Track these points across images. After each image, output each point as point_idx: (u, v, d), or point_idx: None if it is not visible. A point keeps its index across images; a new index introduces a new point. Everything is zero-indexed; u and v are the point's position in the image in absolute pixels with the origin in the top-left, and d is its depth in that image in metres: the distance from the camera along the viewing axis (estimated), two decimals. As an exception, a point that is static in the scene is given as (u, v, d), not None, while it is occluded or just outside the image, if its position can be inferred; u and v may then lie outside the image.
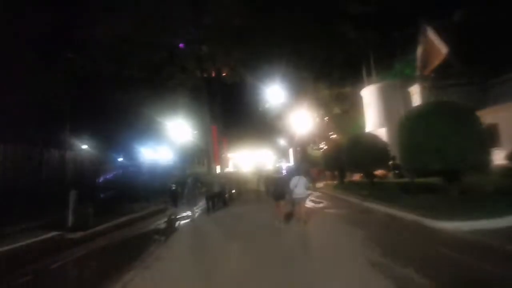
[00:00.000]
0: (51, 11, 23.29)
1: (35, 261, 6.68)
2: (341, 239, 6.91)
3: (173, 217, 11.50)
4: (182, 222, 10.62)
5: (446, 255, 5.34)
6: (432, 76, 19.04)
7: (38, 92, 19.30)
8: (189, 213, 11.96)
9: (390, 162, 15.41)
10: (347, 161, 15.56)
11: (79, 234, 8.75)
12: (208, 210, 12.48)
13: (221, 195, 13.59)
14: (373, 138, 15.23)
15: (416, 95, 19.98)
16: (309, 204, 13.86)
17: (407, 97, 20.59)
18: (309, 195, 10.23)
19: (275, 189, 9.73)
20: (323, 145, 29.69)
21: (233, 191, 16.76)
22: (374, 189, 14.04)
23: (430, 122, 9.25)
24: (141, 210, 13.05)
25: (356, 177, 21.14)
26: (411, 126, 9.66)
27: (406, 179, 17.83)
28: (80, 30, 26.22)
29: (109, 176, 17.10)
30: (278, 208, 9.64)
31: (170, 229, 9.34)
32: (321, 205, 13.06)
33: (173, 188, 12.64)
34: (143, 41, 28.34)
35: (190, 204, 10.98)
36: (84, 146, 32.85)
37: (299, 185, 8.96)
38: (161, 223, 10.81)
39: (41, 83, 20.37)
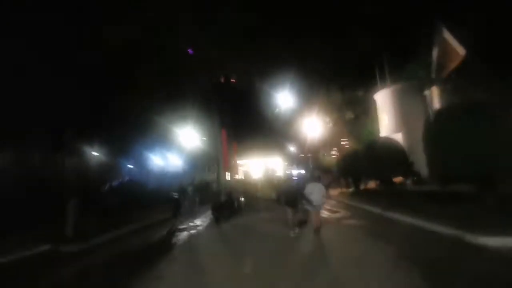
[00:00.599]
0: (61, 13, 23.10)
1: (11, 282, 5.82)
2: (370, 259, 5.88)
3: (176, 229, 10.67)
4: (186, 234, 9.60)
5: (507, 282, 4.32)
6: (452, 78, 17.87)
7: (47, 95, 18.92)
8: (193, 224, 11.13)
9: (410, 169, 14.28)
10: (363, 167, 14.50)
11: (76, 247, 7.94)
12: (215, 221, 11.35)
13: (229, 205, 12.56)
14: (391, 143, 14.19)
15: (434, 98, 18.81)
16: (324, 213, 12.85)
17: (424, 100, 19.43)
18: (324, 203, 9.37)
19: (287, 196, 9.08)
20: (335, 151, 28.57)
21: (242, 199, 15.71)
22: (394, 197, 12.91)
23: (462, 123, 8.23)
24: (146, 219, 12.17)
25: (372, 184, 19.96)
26: (441, 128, 8.63)
27: (426, 187, 16.66)
28: (91, 33, 26.09)
29: (116, 183, 16.41)
30: (291, 216, 8.92)
31: (173, 243, 8.45)
32: (338, 214, 12.00)
33: (175, 197, 11.49)
34: (152, 46, 28.03)
35: (190, 215, 9.94)
36: (94, 153, 32.58)
37: (315, 192, 8.32)
38: (164, 234, 9.95)
39: (50, 86, 20.07)
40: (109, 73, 26.71)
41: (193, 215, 9.85)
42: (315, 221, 8.47)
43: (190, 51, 28.23)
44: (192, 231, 10.08)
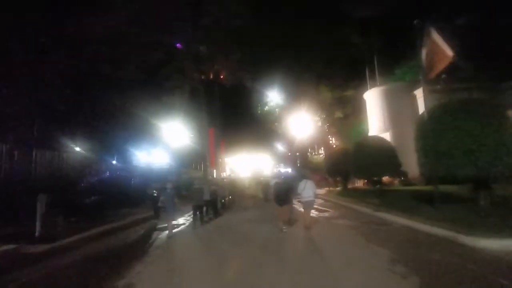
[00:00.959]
0: (43, 7, 21.91)
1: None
2: (364, 262, 5.36)
3: (155, 229, 9.93)
4: (164, 236, 8.64)
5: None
6: (442, 78, 17.73)
7: (25, 88, 17.77)
8: (175, 223, 10.38)
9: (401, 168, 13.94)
10: (353, 166, 14.07)
11: (42, 248, 7.12)
12: (195, 222, 10.22)
13: (213, 203, 11.71)
14: (382, 142, 13.78)
15: (421, 99, 18.61)
16: (313, 212, 12.36)
17: (412, 101, 19.23)
18: (315, 200, 9.11)
19: (278, 194, 8.91)
20: (322, 151, 28.23)
21: (227, 198, 15.01)
22: (383, 197, 12.54)
23: (459, 120, 7.82)
24: (124, 218, 11.29)
25: (360, 183, 19.67)
26: (436, 126, 8.19)
27: (414, 187, 16.43)
28: (73, 27, 24.87)
29: (95, 179, 15.44)
30: (280, 214, 8.85)
31: (149, 245, 7.67)
32: (327, 214, 11.50)
33: (155, 195, 10.60)
34: (139, 41, 26.97)
35: (169, 216, 8.71)
36: (76, 148, 31.22)
37: (306, 188, 8.49)
38: (140, 235, 9.16)
39: (29, 80, 18.93)
40: (91, 65, 25.55)
41: (173, 214, 8.96)
42: (306, 218, 8.65)
43: (178, 45, 27.26)
44: (171, 233, 9.26)
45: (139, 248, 7.19)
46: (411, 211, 8.99)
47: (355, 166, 13.96)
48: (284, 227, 8.44)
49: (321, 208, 13.16)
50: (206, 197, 10.69)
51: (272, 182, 15.61)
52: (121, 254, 6.82)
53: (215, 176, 21.00)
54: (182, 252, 7.01)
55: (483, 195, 8.04)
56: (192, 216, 10.54)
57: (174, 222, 9.71)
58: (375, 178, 13.84)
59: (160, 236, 8.76)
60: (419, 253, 5.68)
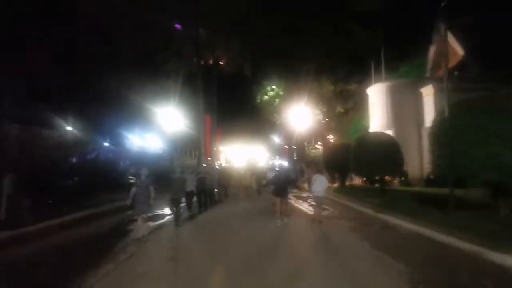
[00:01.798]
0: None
1: None
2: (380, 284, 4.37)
3: (131, 220, 8.27)
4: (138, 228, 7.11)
5: None
6: (455, 75, 16.68)
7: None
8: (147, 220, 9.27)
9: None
10: (354, 163, 13.07)
11: (4, 234, 6.04)
12: (176, 218, 8.17)
13: (200, 194, 10.01)
14: (386, 139, 12.76)
15: (428, 97, 17.62)
16: (309, 209, 11.40)
17: (418, 99, 18.22)
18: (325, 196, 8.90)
19: (277, 185, 8.72)
20: (320, 145, 27.27)
21: (219, 189, 13.78)
22: (384, 197, 11.62)
23: (482, 118, 6.82)
24: (104, 204, 10.12)
25: (357, 180, 18.75)
26: (456, 123, 7.18)
27: (415, 188, 15.57)
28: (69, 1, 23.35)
29: (81, 159, 14.27)
30: (278, 206, 8.60)
31: (124, 240, 6.51)
32: (325, 212, 10.49)
33: (131, 181, 9.27)
34: (137, 20, 25.43)
35: (140, 209, 6.89)
36: (69, 127, 29.90)
37: (317, 182, 8.29)
38: (117, 227, 8.05)
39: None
40: (86, 40, 24.06)
41: (147, 207, 7.09)
42: (315, 212, 8.49)
43: (177, 26, 25.75)
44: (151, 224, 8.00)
45: (112, 243, 6.11)
46: (418, 215, 8.04)
47: (356, 163, 12.97)
48: (279, 221, 8.24)
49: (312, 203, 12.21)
50: (191, 187, 9.32)
51: (267, 173, 14.30)
52: (89, 249, 5.77)
53: (206, 164, 19.75)
54: (160, 253, 5.88)
55: (504, 203, 7.09)
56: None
57: (154, 215, 8.54)
58: (377, 177, 12.86)
59: (135, 228, 7.63)
60: (441, 271, 4.71)
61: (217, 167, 24.78)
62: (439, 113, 8.39)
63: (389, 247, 5.90)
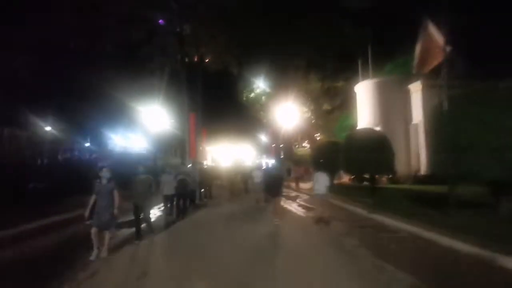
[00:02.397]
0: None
1: None
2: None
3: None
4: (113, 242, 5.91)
5: None
6: (442, 70, 16.29)
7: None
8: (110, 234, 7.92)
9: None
10: (344, 161, 12.44)
11: None
12: (137, 232, 6.36)
13: (182, 198, 8.67)
14: (376, 136, 12.18)
15: (416, 93, 17.27)
16: (298, 209, 10.70)
17: (405, 95, 17.84)
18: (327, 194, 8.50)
19: (270, 184, 8.39)
20: (307, 143, 26.69)
21: (203, 190, 12.82)
22: (376, 196, 11.03)
23: (485, 112, 6.24)
24: (74, 210, 8.91)
25: (345, 179, 18.22)
26: (456, 117, 6.58)
27: (404, 186, 15.13)
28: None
29: (50, 160, 13.04)
30: (273, 205, 8.31)
31: (88, 255, 5.19)
32: (314, 213, 9.80)
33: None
34: (117, 13, 24.09)
35: (100, 221, 5.35)
36: (48, 128, 28.27)
37: (319, 181, 8.12)
38: (83, 238, 5.92)
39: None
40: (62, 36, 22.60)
41: (109, 219, 5.47)
42: (321, 210, 8.23)
43: (161, 21, 24.57)
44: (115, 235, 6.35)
45: (72, 258, 5.13)
46: (415, 215, 7.43)
47: (346, 161, 12.34)
48: (276, 220, 7.84)
49: (308, 205, 11.49)
50: (169, 191, 8.12)
51: (253, 172, 13.89)
52: (44, 266, 4.80)
53: (190, 164, 18.52)
54: (127, 270, 4.77)
55: (507, 202, 6.54)
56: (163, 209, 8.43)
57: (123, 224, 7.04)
58: (366, 176, 12.27)
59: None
60: (446, 276, 4.04)
61: (199, 166, 23.55)
62: (435, 106, 7.77)
63: (391, 254, 5.20)
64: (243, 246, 5.87)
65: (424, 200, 8.90)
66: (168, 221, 8.16)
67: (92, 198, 5.46)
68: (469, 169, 6.26)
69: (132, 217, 6.63)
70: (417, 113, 16.98)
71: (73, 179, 13.08)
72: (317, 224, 7.67)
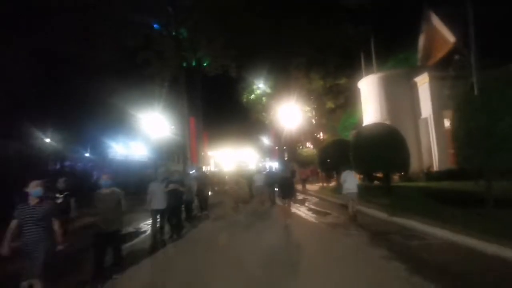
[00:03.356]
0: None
1: None
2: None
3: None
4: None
5: None
6: (455, 59, 15.37)
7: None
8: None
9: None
10: (354, 159, 11.46)
11: None
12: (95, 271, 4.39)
13: (173, 214, 6.92)
14: (389, 131, 11.21)
15: (423, 86, 16.30)
16: (309, 214, 9.72)
17: (412, 89, 16.89)
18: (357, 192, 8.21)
19: (283, 187, 8.09)
20: (312, 144, 25.69)
21: (205, 198, 10.72)
22: (392, 196, 10.05)
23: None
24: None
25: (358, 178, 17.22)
26: (492, 103, 5.62)
27: (418, 183, 14.13)
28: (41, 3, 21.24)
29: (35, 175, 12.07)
30: (285, 208, 7.95)
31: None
32: (329, 218, 8.83)
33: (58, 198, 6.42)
34: (114, 18, 23.39)
35: (32, 267, 3.43)
36: (47, 139, 27.48)
37: (348, 179, 8.01)
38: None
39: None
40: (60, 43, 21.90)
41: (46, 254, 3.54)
42: (352, 208, 8.05)
43: (155, 25, 23.82)
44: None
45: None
46: (445, 217, 6.45)
47: (356, 159, 11.36)
48: (287, 221, 7.51)
49: (319, 209, 10.52)
50: (159, 205, 6.26)
51: (255, 176, 12.94)
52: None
53: (193, 170, 17.35)
54: None
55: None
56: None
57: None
58: (378, 174, 11.28)
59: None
60: None
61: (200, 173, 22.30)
62: (462, 94, 6.81)
63: (431, 269, 4.23)
64: (254, 275, 4.45)
65: (450, 199, 7.91)
66: (155, 243, 6.21)
67: (13, 224, 3.51)
68: (507, 162, 5.28)
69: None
70: (426, 107, 16.01)
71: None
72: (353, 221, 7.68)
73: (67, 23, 23.24)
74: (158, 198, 6.31)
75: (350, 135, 17.56)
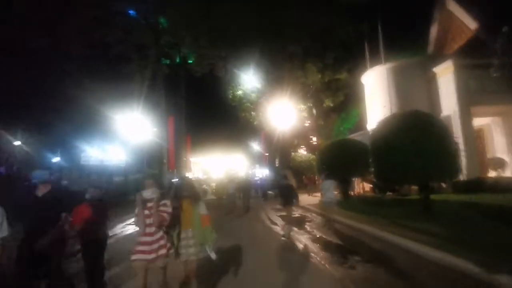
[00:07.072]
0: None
1: None
2: None
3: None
4: None
5: None
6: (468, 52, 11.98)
7: None
8: None
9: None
10: (377, 165, 7.71)
11: None
12: None
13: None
14: (434, 122, 7.47)
15: (445, 77, 12.82)
16: (318, 253, 5.71)
17: (430, 81, 13.43)
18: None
19: (281, 194, 7.15)
20: (304, 149, 21.97)
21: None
22: (435, 216, 6.30)
23: None
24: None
25: (361, 189, 13.47)
26: None
27: (460, 196, 10.42)
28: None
29: None
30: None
31: None
32: (346, 264, 4.91)
33: None
34: (85, 4, 19.60)
35: None
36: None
37: (331, 189, 7.33)
38: None
39: None
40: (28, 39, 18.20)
41: None
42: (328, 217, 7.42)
43: (131, 12, 20.06)
44: None
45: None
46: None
47: (382, 164, 7.62)
48: (290, 230, 6.56)
49: (324, 237, 6.65)
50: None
51: (228, 185, 11.92)
52: None
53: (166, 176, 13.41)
54: None
55: None
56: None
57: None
58: (416, 186, 7.55)
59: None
60: None
61: (187, 179, 18.43)
62: None
63: None
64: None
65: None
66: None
67: None
68: None
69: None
70: (449, 102, 12.50)
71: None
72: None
73: (31, 11, 19.57)
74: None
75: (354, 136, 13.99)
